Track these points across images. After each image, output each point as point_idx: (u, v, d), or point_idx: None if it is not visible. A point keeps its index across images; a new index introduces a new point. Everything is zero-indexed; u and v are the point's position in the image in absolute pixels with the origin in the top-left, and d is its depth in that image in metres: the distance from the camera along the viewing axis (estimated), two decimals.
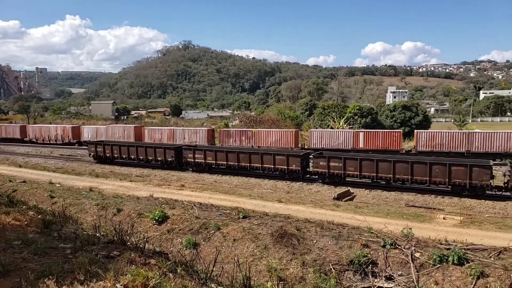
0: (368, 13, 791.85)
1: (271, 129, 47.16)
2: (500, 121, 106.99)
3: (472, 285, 11.59)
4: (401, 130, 44.61)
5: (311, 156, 29.35)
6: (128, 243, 9.46)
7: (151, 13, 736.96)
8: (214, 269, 9.44)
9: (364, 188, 26.88)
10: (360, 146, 41.26)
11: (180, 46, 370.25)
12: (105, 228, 12.47)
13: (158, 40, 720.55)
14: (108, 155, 38.09)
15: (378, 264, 13.38)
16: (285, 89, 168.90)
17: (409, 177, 24.70)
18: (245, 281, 9.02)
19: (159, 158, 35.11)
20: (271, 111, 77.88)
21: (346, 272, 13.51)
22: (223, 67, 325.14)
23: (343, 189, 25.49)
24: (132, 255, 7.86)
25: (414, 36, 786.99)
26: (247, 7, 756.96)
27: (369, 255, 13.49)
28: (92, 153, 39.57)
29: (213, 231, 16.62)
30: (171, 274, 7.33)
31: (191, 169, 33.95)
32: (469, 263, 12.31)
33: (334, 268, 13.52)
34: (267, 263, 14.21)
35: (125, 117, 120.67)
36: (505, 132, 37.26)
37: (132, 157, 36.61)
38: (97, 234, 10.53)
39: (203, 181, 30.03)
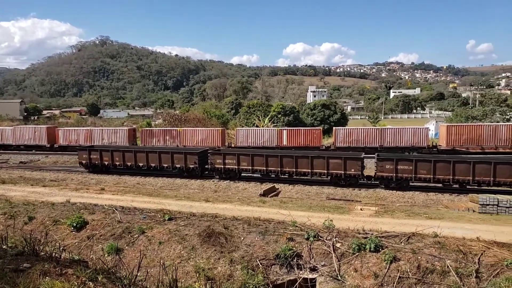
0: (289, 14, 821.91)
1: (197, 128, 46.58)
2: (407, 117, 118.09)
3: (386, 269, 12.55)
4: (321, 128, 46.98)
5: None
6: (42, 253, 8.59)
7: (62, 5, 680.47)
8: (138, 274, 9.00)
9: (288, 183, 27.82)
10: (284, 143, 42.57)
11: (97, 42, 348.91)
12: (14, 239, 11.22)
13: (72, 34, 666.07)
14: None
15: (302, 256, 13.86)
16: (210, 87, 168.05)
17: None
18: (171, 283, 8.72)
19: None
20: (196, 110, 76.96)
21: (273, 266, 13.78)
22: (144, 64, 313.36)
23: (269, 185, 26.08)
24: (46, 266, 7.14)
25: (331, 37, 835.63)
26: (168, 4, 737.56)
27: (294, 248, 13.92)
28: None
29: (137, 235, 15.87)
30: (91, 283, 6.80)
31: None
32: (384, 249, 13.31)
33: (261, 264, 13.71)
34: (195, 264, 13.96)
35: (35, 117, 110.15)
36: (412, 128, 41.17)
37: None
38: (4, 246, 9.42)
39: (125, 183, 28.64)
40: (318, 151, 36.72)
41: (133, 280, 8.06)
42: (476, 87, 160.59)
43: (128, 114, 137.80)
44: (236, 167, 28.88)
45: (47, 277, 6.48)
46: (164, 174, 31.44)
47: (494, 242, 13.43)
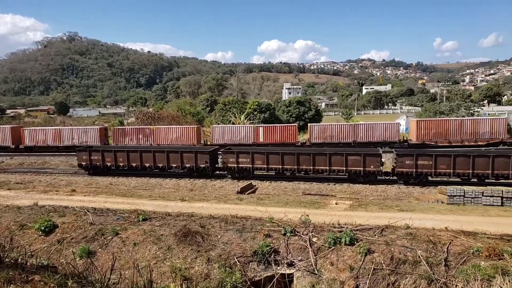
0: (264, 11, 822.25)
1: (171, 126, 45.96)
2: (379, 113, 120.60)
3: (361, 262, 12.85)
4: (297, 124, 47.34)
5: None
6: (6, 260, 8.26)
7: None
8: (112, 276, 8.81)
9: (265, 180, 27.94)
10: (260, 140, 42.67)
11: (65, 38, 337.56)
12: None
13: (37, 30, 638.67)
14: None
15: (280, 252, 13.98)
16: (184, 84, 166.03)
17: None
18: (146, 285, 8.60)
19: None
20: (170, 107, 75.98)
21: (250, 263, 13.84)
22: (116, 61, 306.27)
23: (245, 182, 26.09)
24: (11, 273, 6.87)
25: (305, 35, 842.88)
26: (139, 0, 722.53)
27: (271, 244, 14.02)
28: None
29: (110, 237, 15.55)
30: None
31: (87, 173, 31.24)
32: (359, 242, 13.61)
33: (239, 261, 13.74)
34: (171, 264, 13.83)
35: None
36: (384, 123, 42.14)
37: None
38: None
39: (97, 184, 27.98)
40: (336, 148, 35.74)
41: (105, 284, 7.89)
42: (443, 83, 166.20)
43: (100, 112, 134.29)
44: (250, 165, 27.91)
45: (11, 285, 6.24)
46: (172, 175, 30.34)
47: (461, 231, 14.00)
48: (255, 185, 26.16)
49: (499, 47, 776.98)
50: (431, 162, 24.81)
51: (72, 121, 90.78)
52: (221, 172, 29.65)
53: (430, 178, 25.62)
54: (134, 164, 30.09)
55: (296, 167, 26.94)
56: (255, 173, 28.71)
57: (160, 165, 29.58)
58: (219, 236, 14.99)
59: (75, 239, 15.84)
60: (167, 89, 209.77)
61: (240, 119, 55.77)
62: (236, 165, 28.19)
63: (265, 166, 27.63)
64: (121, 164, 30.42)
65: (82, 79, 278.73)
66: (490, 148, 37.18)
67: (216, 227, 15.63)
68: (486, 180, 24.60)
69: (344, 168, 26.11)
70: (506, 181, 24.14)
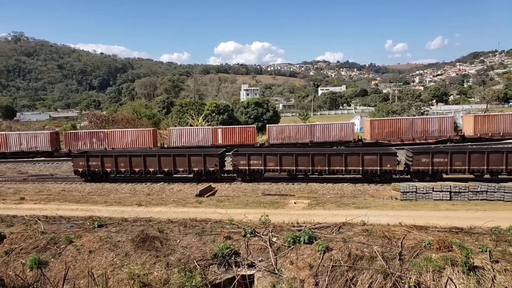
0: (219, 12, 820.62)
1: (127, 129, 44.61)
2: (335, 113, 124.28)
3: (320, 260, 13.07)
4: (255, 125, 47.65)
5: None
6: None
7: None
8: (66, 287, 8.35)
9: (225, 182, 27.79)
10: (219, 142, 42.47)
11: (10, 38, 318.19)
12: None
13: None
14: None
15: (240, 253, 13.92)
16: (139, 86, 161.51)
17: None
18: None
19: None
20: (125, 110, 73.63)
21: (210, 266, 13.67)
22: (66, 63, 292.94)
23: (205, 185, 25.81)
24: None
25: (262, 36, 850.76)
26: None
27: (231, 246, 13.92)
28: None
29: (64, 245, 14.77)
30: None
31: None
32: (317, 240, 13.84)
33: (199, 265, 13.53)
34: (129, 271, 13.36)
35: None
36: (339, 123, 43.41)
37: None
38: None
39: (48, 191, 26.56)
40: (352, 148, 35.56)
41: None
42: (394, 83, 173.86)
43: (50, 116, 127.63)
44: (262, 167, 27.02)
45: None
46: (179, 179, 28.79)
47: (414, 226, 14.64)
48: (215, 188, 25.96)
49: (444, 49, 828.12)
50: (446, 160, 24.92)
51: (19, 125, 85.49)
52: (229, 175, 28.53)
53: (444, 176, 25.64)
54: (137, 169, 28.35)
55: (310, 168, 26.37)
56: (266, 175, 28.06)
57: (166, 169, 28.08)
58: (178, 240, 14.68)
59: (25, 250, 14.89)
60: (121, 91, 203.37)
61: (198, 120, 55.22)
62: (247, 167, 27.22)
63: (278, 167, 26.82)
64: (122, 169, 28.53)
65: (30, 82, 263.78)
66: (468, 144, 38.99)
67: (175, 231, 15.30)
68: (499, 176, 25.12)
69: (361, 168, 25.82)
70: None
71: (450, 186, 20.70)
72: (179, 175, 28.75)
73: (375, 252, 13.04)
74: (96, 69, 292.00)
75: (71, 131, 46.88)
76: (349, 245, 13.49)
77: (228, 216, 16.18)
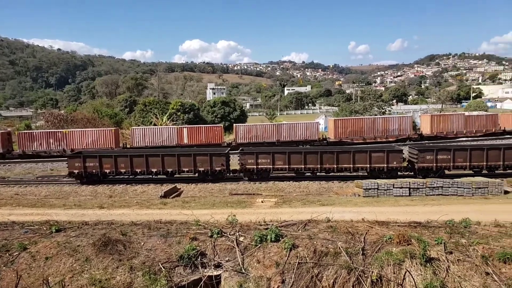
0: (184, 10, 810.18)
1: (87, 129, 43.01)
2: (300, 113, 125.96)
3: (287, 257, 13.20)
4: (222, 125, 47.38)
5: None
6: None
7: None
8: None
9: (191, 182, 27.44)
10: (185, 141, 41.87)
11: None
12: None
13: None
14: None
15: (207, 254, 13.79)
16: (100, 84, 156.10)
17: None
18: None
19: None
20: (85, 109, 70.94)
21: (176, 268, 13.44)
22: (19, 59, 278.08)
23: (170, 186, 25.37)
24: None
25: (228, 35, 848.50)
26: None
27: (198, 247, 13.77)
28: None
29: (17, 253, 13.99)
30: None
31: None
32: (284, 238, 13.97)
33: (164, 267, 13.26)
34: (90, 276, 12.88)
35: None
36: (304, 123, 44.02)
37: None
38: None
39: (0, 194, 25.11)
40: (359, 145, 34.96)
41: None
42: (357, 84, 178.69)
43: (1, 115, 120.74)
44: (271, 166, 26.71)
45: None
46: (183, 179, 27.69)
47: (376, 221, 15.11)
48: (180, 188, 25.58)
49: (404, 51, 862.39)
50: (449, 156, 25.72)
51: None
52: (235, 175, 28.02)
53: (447, 172, 26.33)
54: (138, 170, 27.11)
55: (319, 166, 26.41)
56: (273, 174, 27.72)
57: (170, 169, 27.04)
58: (142, 243, 14.33)
59: None
60: (81, 89, 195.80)
61: (163, 120, 54.14)
62: (255, 166, 26.87)
63: (287, 166, 26.64)
64: (122, 170, 27.16)
65: None
66: (427, 142, 40.46)
67: (139, 233, 14.92)
68: (496, 171, 26.25)
69: (368, 166, 26.11)
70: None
71: (409, 182, 21.54)
72: (183, 176, 27.88)
73: (339, 248, 13.33)
74: (53, 65, 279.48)
75: (25, 131, 44.54)
76: (315, 242, 13.70)
77: (194, 217, 15.97)
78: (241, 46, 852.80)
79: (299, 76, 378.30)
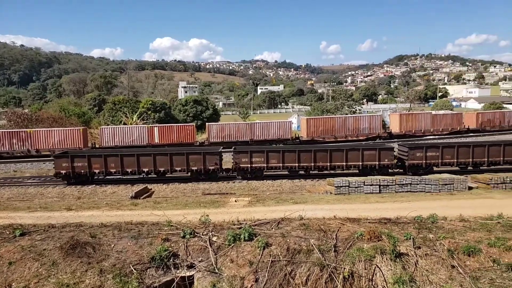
0: (154, 7, 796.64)
1: (53, 128, 41.54)
2: (273, 112, 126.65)
3: (260, 256, 13.20)
4: (194, 124, 46.91)
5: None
6: None
7: None
8: None
9: (162, 183, 27.03)
10: (156, 141, 41.22)
11: None
12: None
13: None
14: None
15: (179, 255, 13.59)
16: (67, 82, 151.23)
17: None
18: None
19: None
20: (51, 108, 68.50)
21: (148, 269, 13.17)
22: None
23: (140, 186, 24.88)
24: None
25: (199, 33, 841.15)
26: None
27: (170, 248, 13.55)
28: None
29: None
30: None
31: None
32: (257, 237, 13.96)
33: (135, 269, 12.97)
34: (57, 281, 12.41)
35: None
36: (277, 122, 44.30)
37: None
38: None
39: None
40: (352, 144, 35.84)
41: None
42: (329, 84, 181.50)
43: None
44: (265, 165, 26.78)
45: None
46: (174, 179, 27.65)
47: (347, 218, 15.36)
48: (151, 189, 25.13)
49: (373, 51, 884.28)
50: (438, 153, 26.49)
51: None
52: (228, 174, 28.01)
53: (435, 168, 27.10)
54: (129, 170, 26.64)
55: (312, 164, 26.68)
56: (266, 173, 27.86)
57: (162, 169, 26.75)
58: (113, 245, 13.95)
59: None
60: (46, 87, 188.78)
61: (133, 119, 53.07)
62: (249, 165, 26.87)
63: (281, 164, 26.84)
64: (112, 170, 26.64)
65: None
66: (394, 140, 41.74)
67: (109, 235, 14.52)
68: (481, 168, 27.23)
69: (361, 163, 26.57)
70: (497, 167, 27.14)
71: (379, 180, 22.04)
72: (175, 175, 27.73)
73: (312, 245, 13.46)
74: (16, 62, 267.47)
75: None
76: (288, 240, 13.78)
77: (166, 218, 15.71)
78: (213, 44, 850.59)
79: (271, 75, 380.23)
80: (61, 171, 26.66)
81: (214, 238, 14.14)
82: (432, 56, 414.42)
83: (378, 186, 21.85)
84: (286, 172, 27.63)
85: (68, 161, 26.56)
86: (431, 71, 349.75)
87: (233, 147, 29.02)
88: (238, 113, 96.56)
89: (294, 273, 12.79)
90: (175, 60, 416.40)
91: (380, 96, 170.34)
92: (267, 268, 12.87)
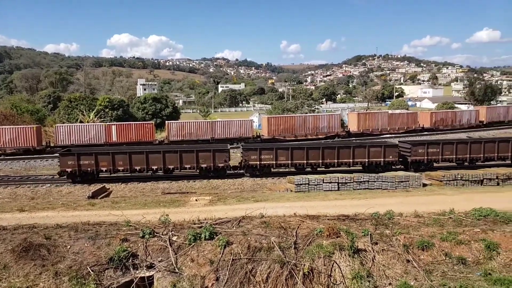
0: (113, 2, 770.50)
1: (3, 126, 39.28)
2: (235, 111, 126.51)
3: (221, 255, 13.26)
4: (153, 122, 46.04)
5: None
6: None
7: None
8: None
9: (121, 182, 26.39)
10: (114, 139, 40.10)
11: None
12: None
13: None
14: None
15: (138, 255, 13.37)
16: (19, 78, 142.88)
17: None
18: None
19: None
20: (1, 105, 64.57)
21: (106, 271, 12.88)
22: None
23: (98, 186, 24.16)
24: None
25: (158, 30, 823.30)
26: None
27: (129, 249, 13.30)
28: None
29: None
30: None
31: None
32: (218, 235, 14.00)
33: (93, 270, 12.62)
34: (8, 285, 11.86)
35: None
36: (239, 120, 44.39)
37: None
38: None
39: None
40: (359, 142, 36.47)
41: None
42: (289, 83, 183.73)
43: None
44: (274, 162, 26.99)
45: None
46: (183, 176, 27.64)
47: (307, 215, 15.74)
48: (109, 188, 24.47)
49: (333, 51, 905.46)
50: (438, 150, 27.64)
51: None
52: (236, 171, 28.06)
53: (435, 164, 28.37)
54: (138, 167, 26.43)
55: (320, 161, 27.11)
56: (275, 169, 28.04)
57: (171, 166, 26.65)
58: (69, 246, 13.49)
59: None
60: None
61: (90, 117, 51.22)
62: (258, 162, 27.07)
63: (289, 162, 27.15)
64: (120, 168, 26.31)
65: None
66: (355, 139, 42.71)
67: (65, 237, 14.02)
68: (477, 163, 28.62)
69: (367, 160, 27.30)
70: (491, 163, 28.38)
71: (338, 177, 22.71)
72: (184, 172, 27.82)
73: (272, 242, 13.69)
74: None
75: None
76: (249, 238, 13.93)
77: (124, 218, 15.39)
78: (173, 42, 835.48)
79: (232, 73, 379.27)
80: (67, 169, 26.11)
81: (174, 238, 14.04)
82: (389, 56, 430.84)
83: (336, 184, 22.51)
84: (293, 169, 28.12)
85: (74, 159, 26.02)
86: (388, 72, 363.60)
87: (241, 144, 29.69)
88: (198, 111, 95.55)
89: (255, 270, 12.96)
90: (134, 57, 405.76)
91: (339, 95, 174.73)
92: (228, 266, 12.95)
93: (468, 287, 11.77)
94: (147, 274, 13.02)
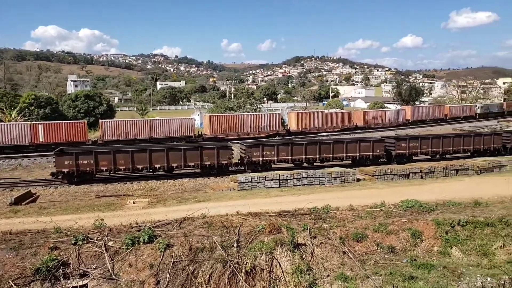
0: None
1: None
2: (175, 109, 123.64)
3: (161, 258, 12.71)
4: (86, 121, 43.38)
5: None
6: None
7: None
8: None
9: (49, 186, 24.51)
10: (41, 140, 37.17)
11: None
12: None
13: None
14: None
15: (70, 263, 12.39)
16: None
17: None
18: None
19: None
20: None
21: (32, 283, 11.74)
22: None
23: (22, 191, 22.17)
24: None
25: (91, 23, 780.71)
26: None
27: (59, 257, 12.26)
28: None
29: None
30: None
31: None
32: (158, 238, 13.42)
33: (15, 284, 11.44)
34: None
35: None
36: (179, 119, 43.34)
37: None
38: None
39: None
40: (352, 137, 40.68)
41: None
42: (231, 81, 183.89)
43: None
44: (275, 158, 28.18)
45: None
46: (185, 174, 27.59)
47: (249, 213, 15.71)
48: (35, 193, 22.56)
49: (273, 51, 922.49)
50: (417, 144, 30.46)
51: None
52: (237, 168, 28.40)
53: (414, 158, 31.12)
54: (140, 166, 25.85)
55: (318, 156, 28.80)
56: (276, 165, 28.81)
57: (174, 164, 26.38)
58: None
59: None
60: None
61: (11, 115, 46.94)
62: (261, 159, 27.90)
63: (289, 157, 28.47)
64: (122, 167, 25.54)
65: None
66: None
67: None
68: (447, 156, 31.69)
69: (358, 154, 29.43)
70: (458, 155, 31.74)
71: (279, 174, 23.03)
72: (185, 171, 27.77)
73: (214, 242, 13.43)
74: None
75: None
76: (190, 239, 13.53)
77: (54, 224, 14.18)
78: (107, 36, 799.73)
79: (172, 70, 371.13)
80: (64, 170, 24.86)
81: (111, 243, 13.21)
82: (325, 58, 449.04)
83: (278, 181, 22.80)
84: (291, 165, 29.08)
85: (72, 158, 24.90)
86: (325, 72, 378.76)
87: (241, 141, 30.95)
88: (135, 109, 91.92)
89: (196, 272, 12.62)
90: (63, 51, 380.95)
91: (279, 95, 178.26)
92: (168, 269, 12.46)
93: (397, 273, 12.45)
94: (80, 283, 12.09)
